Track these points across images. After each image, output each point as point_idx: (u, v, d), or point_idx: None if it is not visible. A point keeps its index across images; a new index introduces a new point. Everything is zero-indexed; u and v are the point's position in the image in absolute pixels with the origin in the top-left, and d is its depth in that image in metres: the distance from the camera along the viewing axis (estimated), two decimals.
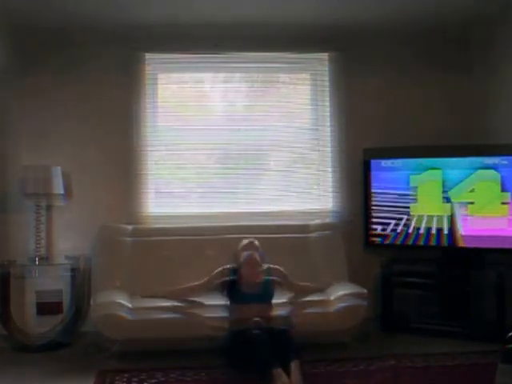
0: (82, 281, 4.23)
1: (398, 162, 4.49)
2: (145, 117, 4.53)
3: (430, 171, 4.41)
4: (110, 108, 4.52)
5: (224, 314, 3.65)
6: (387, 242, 4.53)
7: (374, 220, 4.56)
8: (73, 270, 4.19)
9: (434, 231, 4.38)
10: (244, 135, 4.70)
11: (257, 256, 3.69)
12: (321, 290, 3.99)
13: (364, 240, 4.62)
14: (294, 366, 3.16)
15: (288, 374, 3.11)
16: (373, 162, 4.56)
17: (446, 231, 4.35)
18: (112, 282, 4.07)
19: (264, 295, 3.69)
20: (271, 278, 3.75)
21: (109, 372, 3.48)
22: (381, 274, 4.44)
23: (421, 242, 4.42)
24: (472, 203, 4.28)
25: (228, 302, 3.69)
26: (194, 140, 4.65)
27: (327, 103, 4.73)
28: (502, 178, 4.18)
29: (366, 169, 4.59)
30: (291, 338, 3.36)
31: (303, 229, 4.48)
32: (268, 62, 4.71)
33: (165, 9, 4.14)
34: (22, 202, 4.29)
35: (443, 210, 4.36)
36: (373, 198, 4.56)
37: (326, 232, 4.46)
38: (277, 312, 3.66)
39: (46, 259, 4.27)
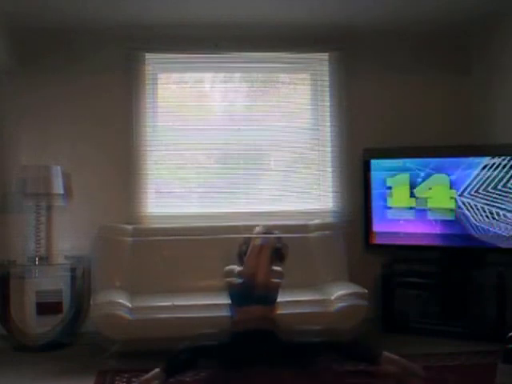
0: (81, 281, 4.23)
1: (399, 162, 4.49)
2: (145, 117, 4.53)
3: (429, 171, 4.41)
4: (109, 108, 4.51)
5: (227, 313, 3.57)
6: (387, 242, 4.52)
7: (374, 220, 4.55)
8: (73, 269, 4.19)
9: (434, 231, 4.38)
10: (244, 135, 4.69)
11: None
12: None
13: (364, 240, 4.62)
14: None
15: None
16: (373, 161, 4.56)
17: (447, 231, 4.35)
18: (112, 282, 4.07)
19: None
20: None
21: (109, 372, 3.48)
22: (381, 274, 4.44)
23: (421, 242, 4.42)
24: (475, 202, 4.27)
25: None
26: (194, 140, 4.65)
27: (327, 103, 4.72)
28: (502, 178, 4.17)
29: (366, 169, 4.59)
30: (281, 339, 3.31)
31: (303, 229, 4.47)
32: (268, 62, 4.70)
33: (165, 9, 4.14)
34: (22, 202, 4.29)
35: (444, 210, 4.36)
36: (373, 198, 4.56)
37: (326, 232, 4.46)
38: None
39: (45, 259, 4.26)
